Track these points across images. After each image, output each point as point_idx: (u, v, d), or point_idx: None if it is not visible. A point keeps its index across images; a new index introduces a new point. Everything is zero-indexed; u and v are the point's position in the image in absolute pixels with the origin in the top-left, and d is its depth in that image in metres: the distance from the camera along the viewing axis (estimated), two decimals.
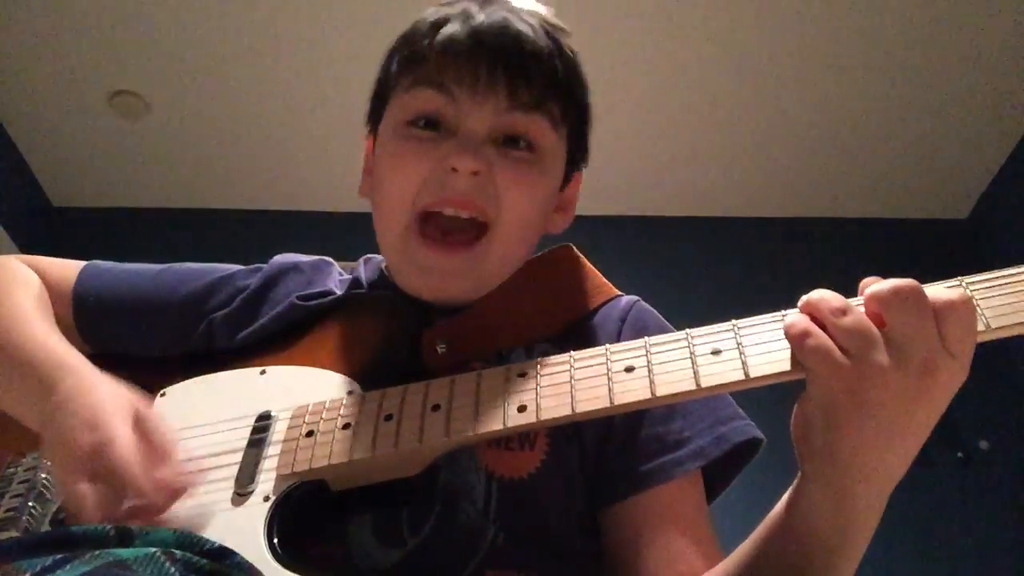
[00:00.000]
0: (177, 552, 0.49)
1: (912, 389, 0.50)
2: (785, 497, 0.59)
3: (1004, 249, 3.08)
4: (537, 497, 0.69)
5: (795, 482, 0.58)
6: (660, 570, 0.68)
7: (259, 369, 0.74)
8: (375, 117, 0.83)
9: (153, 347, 0.85)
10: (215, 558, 0.51)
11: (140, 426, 0.63)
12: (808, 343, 0.51)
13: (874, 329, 0.51)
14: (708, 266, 3.21)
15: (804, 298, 0.54)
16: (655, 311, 0.85)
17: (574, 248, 0.86)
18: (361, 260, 0.91)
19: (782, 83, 2.87)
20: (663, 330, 0.82)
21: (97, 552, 0.47)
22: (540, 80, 0.73)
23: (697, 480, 0.73)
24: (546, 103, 0.74)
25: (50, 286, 0.86)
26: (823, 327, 0.52)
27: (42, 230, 3.30)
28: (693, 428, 0.73)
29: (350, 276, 0.89)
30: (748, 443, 0.73)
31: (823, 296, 0.53)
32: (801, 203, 3.32)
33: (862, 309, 0.52)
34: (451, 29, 0.73)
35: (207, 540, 0.52)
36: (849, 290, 0.56)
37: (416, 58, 0.75)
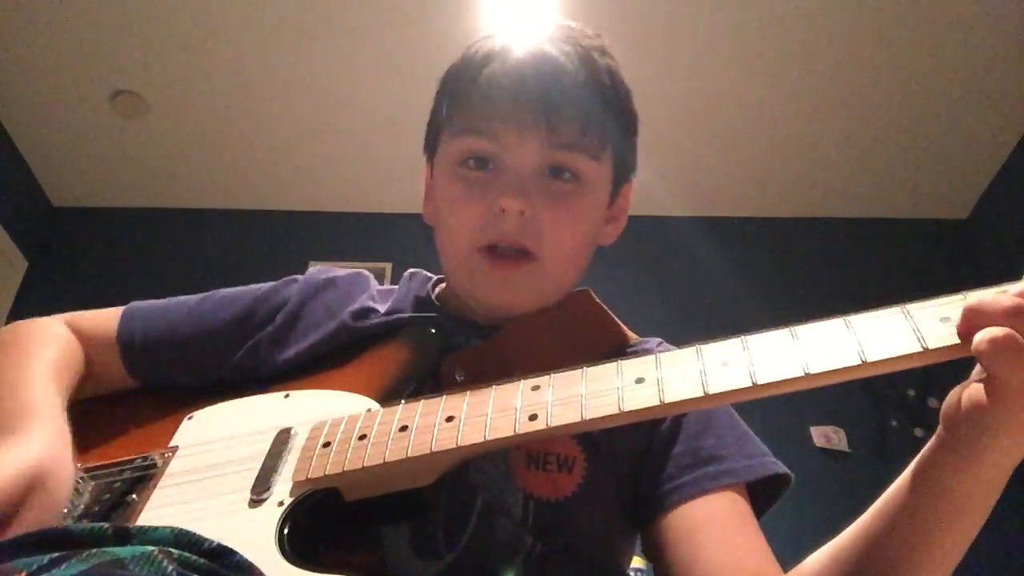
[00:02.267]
0: (175, 551, 0.49)
1: None
2: (914, 464, 0.58)
3: (1004, 249, 3.08)
4: (574, 518, 0.71)
5: (926, 453, 0.57)
6: (724, 568, 0.68)
7: (283, 393, 0.77)
8: (431, 146, 0.87)
9: (202, 377, 0.87)
10: (213, 557, 0.51)
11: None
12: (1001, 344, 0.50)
13: None
14: (708, 266, 3.20)
15: (971, 306, 0.52)
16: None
17: (592, 292, 0.89)
18: (406, 275, 0.93)
19: (782, 84, 2.87)
20: None
21: (94, 551, 0.47)
22: (577, 118, 0.77)
23: (743, 496, 0.74)
24: (584, 139, 0.78)
25: (94, 336, 0.88)
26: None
27: (42, 230, 3.30)
28: (726, 449, 0.75)
29: (388, 290, 0.91)
30: (777, 478, 0.75)
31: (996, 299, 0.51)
32: (801, 203, 3.32)
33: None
34: (492, 72, 0.78)
35: (206, 539, 0.52)
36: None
37: (461, 101, 0.80)
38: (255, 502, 0.64)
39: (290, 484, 0.64)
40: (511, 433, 0.60)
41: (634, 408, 0.57)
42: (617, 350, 0.83)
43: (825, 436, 2.80)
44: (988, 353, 0.49)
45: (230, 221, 3.35)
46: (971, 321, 0.51)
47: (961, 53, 2.75)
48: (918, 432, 2.72)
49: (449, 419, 0.63)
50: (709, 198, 3.28)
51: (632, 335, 0.87)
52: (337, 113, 3.00)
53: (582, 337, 0.83)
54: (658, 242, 3.24)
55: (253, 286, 0.93)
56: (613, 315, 0.88)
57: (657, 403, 0.56)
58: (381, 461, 0.62)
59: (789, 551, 0.70)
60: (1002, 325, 0.50)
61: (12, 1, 2.62)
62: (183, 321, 0.89)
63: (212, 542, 0.52)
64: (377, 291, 0.91)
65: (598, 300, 0.89)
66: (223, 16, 2.68)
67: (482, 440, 0.61)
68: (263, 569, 0.54)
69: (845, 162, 3.15)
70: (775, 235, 3.31)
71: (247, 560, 0.52)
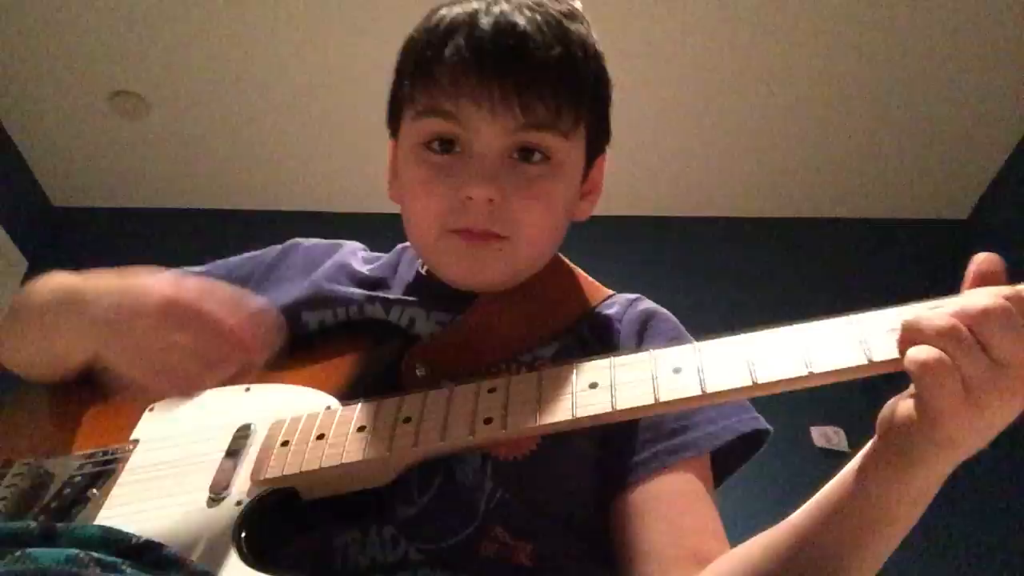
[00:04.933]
0: (98, 555, 0.49)
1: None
2: (847, 469, 0.59)
3: (1004, 249, 3.06)
4: (534, 476, 0.70)
5: (860, 459, 0.58)
6: (665, 547, 0.69)
7: (244, 387, 0.76)
8: (394, 122, 0.84)
9: None
10: (140, 552, 0.52)
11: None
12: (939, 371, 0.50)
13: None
14: (708, 266, 3.21)
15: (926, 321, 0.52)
16: (658, 306, 0.87)
17: (563, 257, 0.87)
18: (398, 248, 0.93)
19: (782, 83, 2.87)
20: (669, 322, 0.85)
21: (17, 553, 0.48)
22: (550, 95, 0.72)
23: (700, 468, 0.74)
24: (557, 119, 0.73)
25: None
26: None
27: (42, 230, 3.30)
28: (690, 419, 0.74)
29: (377, 262, 0.92)
30: (752, 434, 0.75)
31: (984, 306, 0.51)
32: (801, 203, 3.32)
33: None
34: (457, 46, 0.72)
35: (133, 535, 0.53)
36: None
37: (424, 77, 0.75)
38: (213, 501, 0.65)
39: (248, 483, 0.65)
40: (468, 437, 0.62)
41: (586, 415, 0.59)
42: (582, 316, 0.82)
43: (825, 436, 2.80)
44: (916, 375, 0.50)
45: (230, 221, 3.35)
46: (908, 338, 0.52)
47: (961, 54, 2.75)
48: None
49: (406, 420, 0.65)
50: (709, 198, 3.28)
51: (605, 290, 0.86)
52: (338, 113, 3.00)
53: (552, 303, 0.82)
54: (658, 242, 3.24)
55: (251, 253, 0.95)
56: (583, 276, 0.87)
57: (609, 410, 0.59)
58: (338, 462, 0.63)
59: None
60: (934, 345, 0.50)
61: (12, 1, 2.63)
62: None
63: (140, 537, 0.53)
64: (362, 255, 0.92)
65: (568, 263, 0.87)
66: (223, 16, 2.69)
67: (441, 443, 0.62)
68: (221, 570, 0.55)
69: (845, 162, 3.15)
70: (774, 235, 3.31)
71: (176, 553, 0.53)
